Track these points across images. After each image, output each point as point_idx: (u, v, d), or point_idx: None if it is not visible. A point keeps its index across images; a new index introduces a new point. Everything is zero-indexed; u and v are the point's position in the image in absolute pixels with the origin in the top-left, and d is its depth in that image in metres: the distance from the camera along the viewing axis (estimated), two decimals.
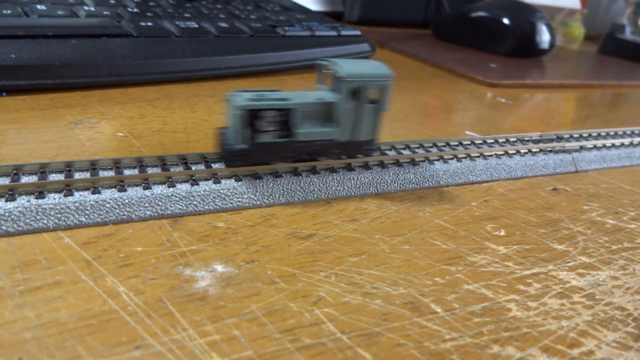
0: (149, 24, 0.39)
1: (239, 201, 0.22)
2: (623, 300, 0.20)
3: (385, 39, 0.65)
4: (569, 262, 0.22)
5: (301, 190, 0.24)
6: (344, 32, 0.49)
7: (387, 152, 0.28)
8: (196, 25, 0.41)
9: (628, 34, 0.79)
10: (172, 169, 0.23)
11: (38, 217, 0.19)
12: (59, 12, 0.38)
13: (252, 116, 0.22)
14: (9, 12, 0.36)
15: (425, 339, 0.16)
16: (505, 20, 0.63)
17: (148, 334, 0.15)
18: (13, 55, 0.31)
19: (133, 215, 0.21)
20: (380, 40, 0.64)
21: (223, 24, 0.43)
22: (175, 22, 0.41)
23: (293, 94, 0.24)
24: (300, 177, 0.24)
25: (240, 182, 0.23)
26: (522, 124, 0.40)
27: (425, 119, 0.38)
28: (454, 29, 0.69)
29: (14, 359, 0.14)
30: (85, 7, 0.40)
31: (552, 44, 0.64)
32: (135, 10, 0.42)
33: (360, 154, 0.26)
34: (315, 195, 0.24)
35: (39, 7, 0.38)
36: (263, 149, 0.23)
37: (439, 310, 0.18)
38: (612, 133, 0.37)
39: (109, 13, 0.40)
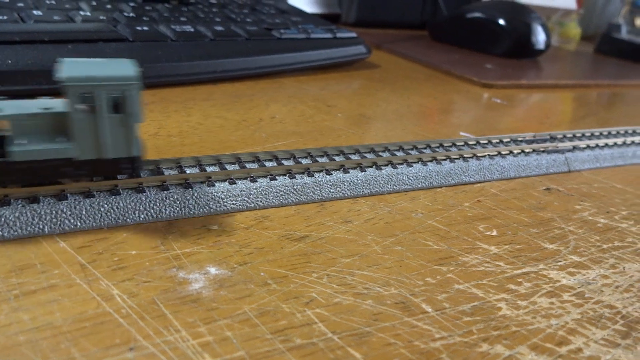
0: (145, 28, 0.39)
1: (232, 204, 0.23)
2: (612, 299, 0.20)
3: (382, 40, 0.66)
4: (560, 261, 0.22)
5: (295, 193, 0.24)
6: (339, 34, 0.50)
7: (380, 153, 0.29)
8: (192, 29, 0.41)
9: (624, 34, 0.80)
10: (166, 173, 0.23)
11: (34, 222, 0.19)
12: (55, 18, 0.38)
13: None
14: (5, 17, 0.36)
15: (415, 338, 0.17)
16: (501, 21, 0.63)
17: (141, 335, 0.15)
18: (9, 61, 0.31)
19: (127, 219, 0.21)
20: (377, 42, 0.64)
21: (219, 28, 0.43)
22: (171, 26, 0.41)
23: (9, 104, 0.19)
24: (294, 180, 0.24)
25: (234, 185, 0.23)
26: (517, 125, 0.40)
27: (420, 120, 0.38)
28: (450, 30, 0.69)
29: None
30: (82, 12, 0.40)
31: (547, 45, 0.64)
32: (132, 14, 0.42)
33: (120, 174, 0.21)
34: (308, 197, 0.24)
35: (35, 12, 0.38)
36: None
37: (430, 309, 0.18)
38: (605, 133, 0.38)
39: (105, 18, 0.40)
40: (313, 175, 0.25)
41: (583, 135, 0.36)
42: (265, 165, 0.25)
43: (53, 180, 0.21)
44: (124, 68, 0.20)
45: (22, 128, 0.19)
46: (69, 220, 0.20)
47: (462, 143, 0.32)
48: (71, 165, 0.20)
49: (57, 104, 0.20)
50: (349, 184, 0.25)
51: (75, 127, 0.19)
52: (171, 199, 0.22)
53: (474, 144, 0.32)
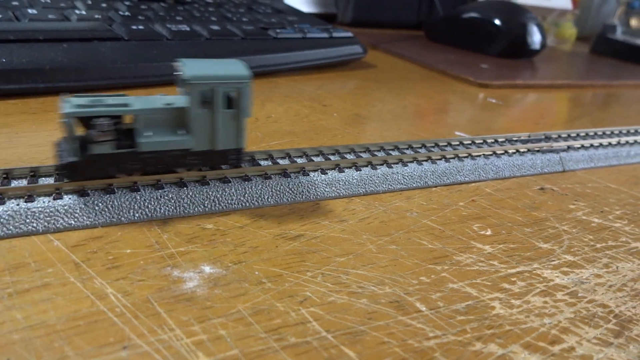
0: (141, 27, 0.39)
1: (227, 203, 0.23)
2: (605, 298, 0.20)
3: (378, 40, 0.66)
4: (554, 260, 0.22)
5: (290, 192, 0.24)
6: (335, 34, 0.50)
7: (376, 153, 0.29)
8: (188, 29, 0.41)
9: (619, 34, 0.80)
10: None
11: (27, 221, 0.19)
12: (50, 16, 0.38)
13: (84, 124, 0.20)
14: None
15: (409, 337, 0.17)
16: (497, 22, 0.63)
17: (135, 334, 0.15)
18: (4, 59, 0.31)
19: (122, 218, 0.21)
20: (373, 41, 0.64)
21: (215, 27, 0.43)
22: (167, 25, 0.41)
23: (136, 99, 0.21)
24: (289, 179, 0.24)
25: (229, 184, 0.23)
26: (512, 125, 0.40)
27: (415, 120, 0.38)
28: (446, 30, 0.69)
29: None
30: (77, 11, 0.40)
31: (543, 45, 0.64)
32: (127, 13, 0.42)
33: (226, 165, 0.24)
34: (304, 197, 0.24)
35: (30, 11, 0.38)
36: (98, 161, 0.21)
37: (424, 308, 0.18)
38: (600, 133, 0.38)
39: (100, 17, 0.40)
40: (308, 175, 0.25)
41: (577, 135, 0.37)
42: (260, 165, 0.25)
43: (171, 169, 0.23)
44: (237, 68, 0.22)
45: (148, 121, 0.21)
46: (63, 219, 0.20)
47: (458, 143, 0.32)
48: (188, 156, 0.22)
49: (177, 100, 0.22)
50: (344, 183, 0.25)
51: (194, 121, 0.22)
52: (166, 197, 0.22)
53: (469, 144, 0.32)
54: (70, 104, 0.20)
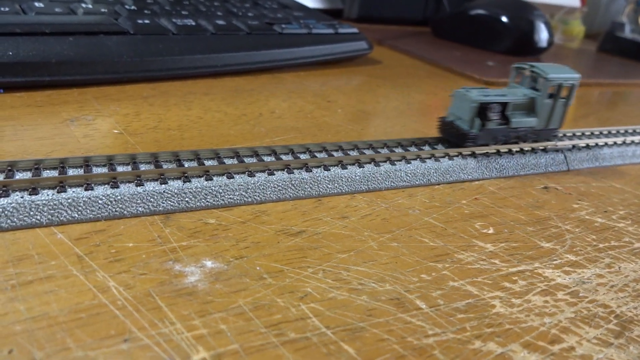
0: (146, 21, 0.39)
1: (230, 198, 0.23)
2: (606, 298, 0.20)
3: (384, 36, 0.66)
4: (555, 260, 0.22)
5: (293, 187, 0.24)
6: (341, 30, 0.50)
7: (379, 150, 0.29)
8: (193, 23, 0.41)
9: (627, 32, 0.79)
10: (165, 166, 0.24)
11: (31, 213, 0.19)
12: (57, 10, 0.38)
13: (482, 108, 0.29)
14: (6, 9, 0.36)
15: (408, 334, 0.17)
16: (504, 19, 0.63)
17: (136, 327, 0.16)
18: (10, 53, 0.31)
19: (125, 212, 0.21)
20: (379, 38, 0.64)
21: (220, 22, 0.43)
22: (173, 19, 0.41)
23: (505, 91, 0.30)
24: (292, 175, 0.24)
25: (232, 179, 0.23)
26: None
27: (420, 117, 0.38)
28: (453, 27, 0.69)
29: (4, 351, 0.14)
30: (83, 5, 0.40)
31: (550, 42, 0.64)
32: (133, 7, 0.42)
33: (549, 139, 0.32)
34: (306, 193, 0.24)
35: (36, 4, 0.38)
36: (487, 133, 0.29)
37: (424, 306, 0.18)
38: (605, 132, 0.37)
39: (106, 10, 0.40)
40: (311, 171, 0.25)
41: (583, 134, 0.36)
42: (263, 160, 0.25)
43: (521, 141, 0.31)
44: (569, 70, 0.31)
45: (513, 107, 0.30)
46: (67, 212, 0.20)
47: None
48: (530, 132, 0.31)
49: (527, 92, 0.31)
50: (347, 179, 0.25)
51: (541, 107, 0.30)
52: (169, 192, 0.22)
53: None
54: (474, 94, 0.29)
